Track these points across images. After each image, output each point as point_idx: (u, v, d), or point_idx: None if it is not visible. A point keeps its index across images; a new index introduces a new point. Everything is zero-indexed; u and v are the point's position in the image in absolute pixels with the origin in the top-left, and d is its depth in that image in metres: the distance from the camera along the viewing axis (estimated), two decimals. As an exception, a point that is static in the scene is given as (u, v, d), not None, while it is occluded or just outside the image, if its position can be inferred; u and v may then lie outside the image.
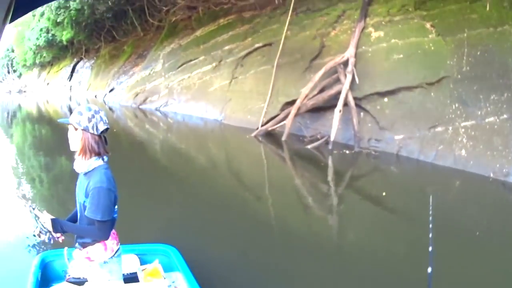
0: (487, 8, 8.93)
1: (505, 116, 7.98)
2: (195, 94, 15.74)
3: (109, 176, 2.56)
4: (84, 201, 2.55)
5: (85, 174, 2.60)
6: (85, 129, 2.53)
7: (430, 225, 3.03)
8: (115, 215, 2.66)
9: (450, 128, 8.61)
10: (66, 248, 2.89)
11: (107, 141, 2.66)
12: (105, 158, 2.63)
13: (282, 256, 4.90)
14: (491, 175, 7.68)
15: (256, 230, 5.75)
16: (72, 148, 2.61)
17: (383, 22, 10.57)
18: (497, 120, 8.03)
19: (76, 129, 2.56)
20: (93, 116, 2.54)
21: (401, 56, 9.87)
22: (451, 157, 8.37)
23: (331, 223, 6.43)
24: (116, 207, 2.64)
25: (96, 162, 2.57)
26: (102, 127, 2.56)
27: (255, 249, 5.09)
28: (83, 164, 2.58)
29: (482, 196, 7.30)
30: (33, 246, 4.92)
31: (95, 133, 2.54)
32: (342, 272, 4.50)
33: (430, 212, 3.15)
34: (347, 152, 9.64)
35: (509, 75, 8.16)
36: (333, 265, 4.70)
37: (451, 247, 5.00)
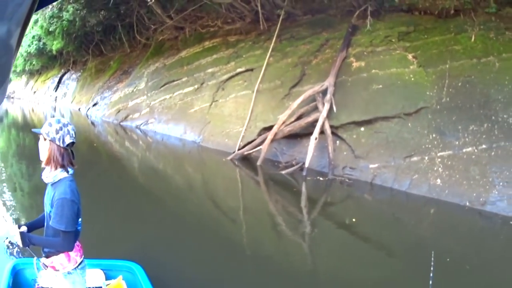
0: (472, 40, 9.11)
1: (484, 146, 8.07)
2: (175, 114, 15.68)
3: (73, 188, 2.62)
4: (50, 211, 2.61)
5: (52, 185, 2.68)
6: (52, 140, 2.61)
7: (430, 282, 2.98)
8: (79, 227, 2.72)
9: (426, 157, 8.66)
10: (35, 257, 2.91)
11: (74, 155, 2.73)
12: (70, 170, 2.69)
13: (252, 280, 4.89)
14: (467, 204, 7.71)
15: (226, 253, 5.71)
16: (41, 158, 2.70)
17: (365, 53, 10.71)
18: (475, 150, 8.11)
19: (45, 139, 2.64)
20: (61, 129, 2.61)
21: (381, 86, 9.98)
22: (425, 186, 8.40)
23: (303, 248, 6.40)
24: (80, 219, 2.69)
25: (62, 174, 2.63)
26: (68, 140, 2.62)
27: (224, 272, 5.05)
28: (49, 175, 2.67)
29: (458, 224, 7.36)
30: (6, 252, 4.83)
31: (61, 145, 2.61)
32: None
33: (432, 269, 3.10)
34: (321, 179, 9.63)
35: (490, 106, 8.28)
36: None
37: (425, 275, 5.03)
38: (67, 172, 2.66)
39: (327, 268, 5.52)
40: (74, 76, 32.32)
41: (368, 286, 4.90)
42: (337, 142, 10.22)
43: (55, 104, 32.57)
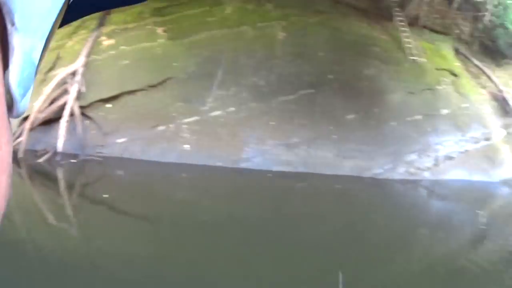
0: (227, 11, 9.44)
1: (232, 109, 8.51)
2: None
3: None
4: None
5: None
6: None
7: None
8: None
9: (172, 125, 9.01)
10: None
11: None
12: None
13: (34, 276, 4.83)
14: (220, 164, 8.19)
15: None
16: None
17: (116, 30, 10.81)
18: (224, 113, 8.50)
19: None
20: None
21: (128, 62, 10.13)
22: (174, 153, 8.78)
23: (75, 232, 6.49)
24: None
25: None
26: None
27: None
28: None
29: (214, 184, 7.91)
30: None
31: None
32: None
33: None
34: (74, 161, 9.74)
35: (239, 71, 8.82)
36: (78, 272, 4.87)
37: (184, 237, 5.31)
38: None
39: (99, 246, 5.66)
40: None
41: (135, 256, 5.12)
42: (87, 122, 10.30)
43: None
